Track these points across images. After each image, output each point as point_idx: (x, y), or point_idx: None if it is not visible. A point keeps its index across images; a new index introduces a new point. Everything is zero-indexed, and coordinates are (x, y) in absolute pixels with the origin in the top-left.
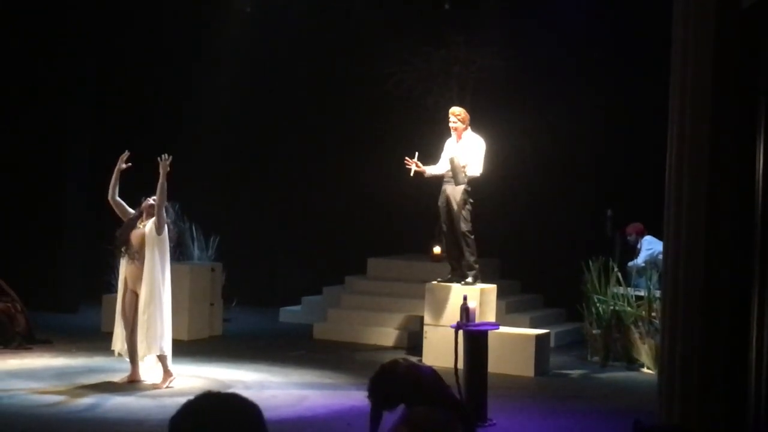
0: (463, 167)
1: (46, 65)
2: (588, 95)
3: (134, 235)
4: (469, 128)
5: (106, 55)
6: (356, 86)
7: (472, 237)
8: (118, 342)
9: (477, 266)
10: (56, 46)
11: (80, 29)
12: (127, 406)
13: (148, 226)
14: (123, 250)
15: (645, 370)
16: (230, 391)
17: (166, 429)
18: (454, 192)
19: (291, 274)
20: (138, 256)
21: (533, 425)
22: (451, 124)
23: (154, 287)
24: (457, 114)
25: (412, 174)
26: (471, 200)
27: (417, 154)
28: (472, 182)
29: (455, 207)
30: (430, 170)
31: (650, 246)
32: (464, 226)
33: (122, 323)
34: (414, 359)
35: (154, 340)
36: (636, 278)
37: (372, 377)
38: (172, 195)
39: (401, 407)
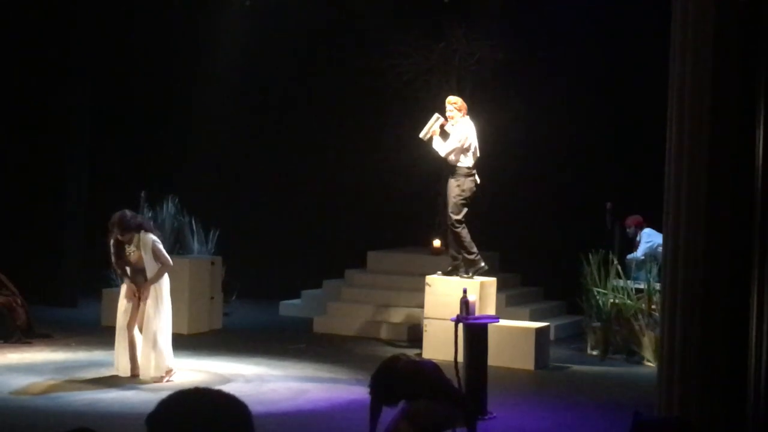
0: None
1: (47, 61)
2: (587, 87)
3: (132, 258)
4: (467, 116)
5: (108, 51)
6: (355, 79)
7: (461, 227)
8: (122, 364)
9: (471, 257)
10: (59, 42)
11: (83, 24)
12: (127, 400)
13: (142, 252)
14: (126, 273)
15: (645, 362)
16: (219, 388)
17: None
18: (450, 183)
19: (291, 267)
20: (140, 274)
21: (533, 418)
22: (447, 114)
23: (158, 294)
24: (453, 102)
25: (427, 137)
26: (465, 191)
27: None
28: (468, 171)
29: (447, 199)
30: (435, 143)
31: (649, 238)
32: (452, 217)
33: (123, 343)
34: (414, 353)
35: (161, 360)
36: (635, 271)
37: (373, 374)
38: (171, 188)
39: (402, 402)
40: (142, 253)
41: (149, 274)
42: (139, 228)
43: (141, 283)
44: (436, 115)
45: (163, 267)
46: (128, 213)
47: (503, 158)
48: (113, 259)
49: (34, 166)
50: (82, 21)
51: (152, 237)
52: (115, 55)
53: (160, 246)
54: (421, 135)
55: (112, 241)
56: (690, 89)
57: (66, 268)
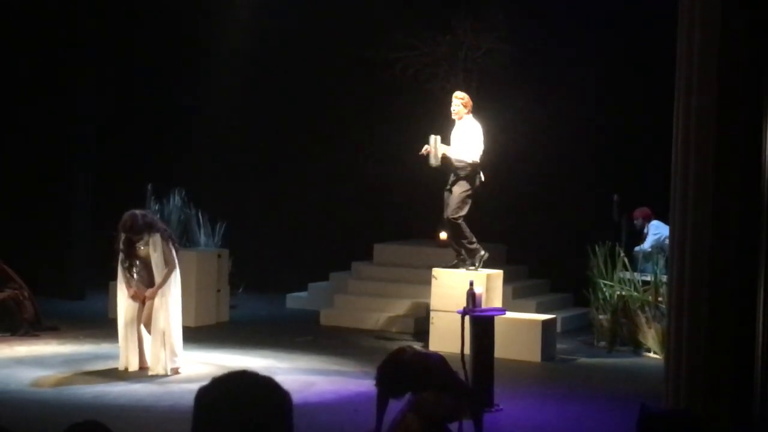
0: (457, 159)
1: (53, 55)
2: (594, 79)
3: (141, 253)
4: (471, 114)
5: (112, 42)
6: (362, 72)
7: (461, 222)
8: (132, 361)
9: (472, 246)
10: (63, 34)
11: (86, 19)
12: (135, 392)
13: (152, 251)
14: (134, 267)
15: (651, 354)
16: (267, 375)
17: (175, 413)
18: (458, 182)
19: (297, 260)
20: (146, 270)
21: (540, 410)
22: (453, 108)
23: (163, 290)
24: (460, 98)
25: (439, 161)
26: (471, 189)
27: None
28: (475, 168)
29: (452, 194)
30: (450, 153)
31: (657, 231)
32: (452, 213)
33: (129, 338)
34: (420, 345)
35: (172, 355)
36: (643, 263)
37: (379, 366)
38: (178, 181)
39: (408, 394)
40: (151, 251)
41: (156, 272)
42: (149, 227)
43: (145, 278)
44: (432, 136)
45: (170, 269)
46: (138, 213)
47: (510, 150)
48: (121, 256)
49: (40, 160)
50: (87, 15)
51: (161, 236)
52: (121, 49)
53: (171, 246)
54: (432, 164)
55: (122, 239)
56: (697, 82)
57: (73, 261)
